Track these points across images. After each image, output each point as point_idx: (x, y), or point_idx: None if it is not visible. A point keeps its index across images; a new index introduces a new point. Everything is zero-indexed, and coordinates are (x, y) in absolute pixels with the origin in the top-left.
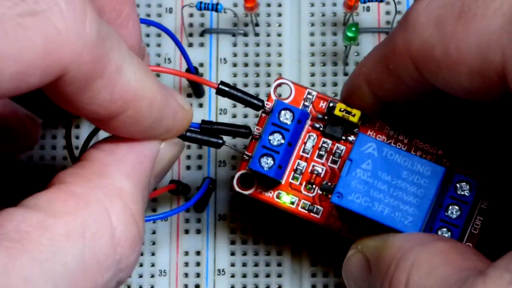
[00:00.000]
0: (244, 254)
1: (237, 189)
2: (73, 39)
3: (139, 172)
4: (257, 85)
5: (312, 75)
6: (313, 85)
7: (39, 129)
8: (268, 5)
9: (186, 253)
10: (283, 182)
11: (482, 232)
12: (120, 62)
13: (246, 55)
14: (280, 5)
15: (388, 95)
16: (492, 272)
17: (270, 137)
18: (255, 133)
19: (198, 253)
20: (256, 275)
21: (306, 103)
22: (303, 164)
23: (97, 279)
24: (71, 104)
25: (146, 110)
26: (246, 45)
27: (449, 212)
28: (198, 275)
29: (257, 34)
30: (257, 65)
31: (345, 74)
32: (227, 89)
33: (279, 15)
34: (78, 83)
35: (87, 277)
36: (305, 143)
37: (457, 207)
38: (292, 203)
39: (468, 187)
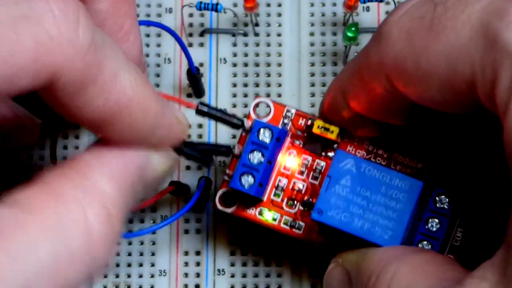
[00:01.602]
0: (244, 253)
1: (219, 207)
2: (65, 45)
3: (124, 177)
4: (257, 85)
5: (312, 75)
6: (313, 85)
7: (38, 129)
8: (268, 5)
9: (186, 253)
10: (264, 199)
11: (463, 243)
12: (115, 70)
13: (246, 55)
14: (280, 5)
15: (363, 107)
16: (470, 281)
17: (250, 156)
18: (235, 152)
19: (198, 253)
20: (256, 275)
21: (285, 121)
22: (284, 180)
23: (69, 276)
24: (65, 109)
25: (140, 118)
26: (246, 45)
27: (429, 225)
28: (198, 275)
29: (257, 34)
30: (257, 65)
31: None
32: (206, 109)
33: (279, 15)
34: (70, 88)
35: (59, 274)
36: (285, 160)
37: (436, 220)
38: (274, 219)
39: (447, 200)
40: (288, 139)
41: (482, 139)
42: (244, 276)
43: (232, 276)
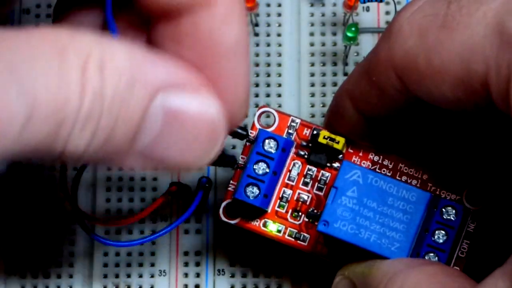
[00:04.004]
0: (244, 253)
1: (223, 218)
2: None
3: None
4: (257, 85)
5: (312, 75)
6: (313, 85)
7: None
8: (268, 5)
9: (186, 253)
10: (269, 210)
11: (469, 255)
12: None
13: None
14: (280, 5)
15: (371, 109)
16: None
17: (255, 166)
18: (240, 163)
19: (198, 253)
20: (256, 275)
21: (290, 131)
22: (289, 192)
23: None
24: None
25: (238, 63)
26: None
27: (436, 237)
28: (198, 275)
29: (256, 34)
30: (257, 65)
31: (345, 74)
32: None
33: (279, 15)
34: None
35: None
36: (290, 171)
37: (443, 232)
38: (279, 231)
39: (454, 211)
40: (293, 150)
41: (490, 141)
42: (244, 276)
43: (232, 276)
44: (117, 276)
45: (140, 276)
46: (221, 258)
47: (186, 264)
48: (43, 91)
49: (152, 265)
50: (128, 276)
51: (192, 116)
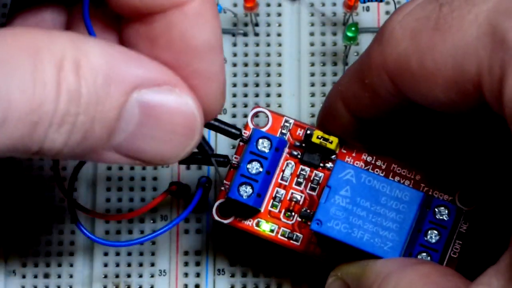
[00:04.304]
0: (244, 253)
1: (216, 218)
2: None
3: None
4: (257, 85)
5: (312, 75)
6: (313, 85)
7: None
8: (268, 5)
9: (186, 253)
10: (262, 210)
11: (461, 256)
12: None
13: (246, 55)
14: (280, 5)
15: (364, 111)
16: None
17: (249, 166)
18: (233, 162)
19: (198, 253)
20: (256, 275)
21: (283, 131)
22: (282, 191)
23: None
24: None
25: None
26: (246, 45)
27: (428, 236)
28: (198, 275)
29: (256, 34)
30: (257, 65)
31: None
32: None
33: (279, 15)
34: None
35: None
36: (283, 171)
37: (436, 232)
38: (272, 231)
39: (446, 211)
40: (286, 149)
41: (483, 142)
42: (244, 276)
43: (232, 276)
44: (117, 276)
45: (140, 276)
46: (221, 258)
47: (186, 264)
48: (17, 93)
49: (152, 265)
50: (128, 276)
51: (168, 111)
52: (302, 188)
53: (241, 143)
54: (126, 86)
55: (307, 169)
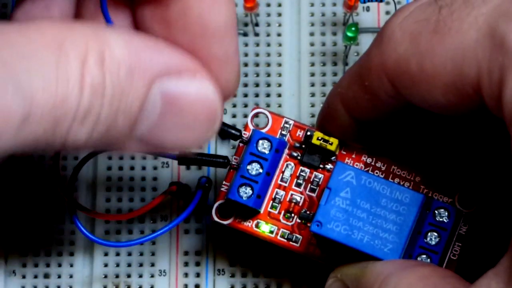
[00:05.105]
0: (244, 253)
1: (215, 219)
2: None
3: None
4: (257, 85)
5: (312, 75)
6: (313, 85)
7: None
8: (268, 5)
9: (186, 253)
10: (261, 211)
11: (461, 258)
12: None
13: (246, 55)
14: (280, 5)
15: (363, 113)
16: None
17: (249, 167)
18: (233, 163)
19: (198, 253)
20: (256, 275)
21: (283, 132)
22: (282, 193)
23: None
24: None
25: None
26: (246, 45)
27: (428, 238)
28: (198, 275)
29: (257, 34)
30: (257, 65)
31: None
32: None
33: (279, 15)
34: None
35: None
36: (283, 172)
37: (436, 234)
38: (271, 232)
39: (446, 213)
40: (286, 151)
41: (482, 144)
42: (244, 276)
43: (232, 276)
44: (117, 276)
45: (140, 276)
46: (221, 258)
47: (186, 264)
48: (40, 89)
49: (152, 265)
50: (128, 276)
51: (190, 99)
52: (301, 189)
53: (241, 144)
54: (148, 76)
55: (307, 170)
